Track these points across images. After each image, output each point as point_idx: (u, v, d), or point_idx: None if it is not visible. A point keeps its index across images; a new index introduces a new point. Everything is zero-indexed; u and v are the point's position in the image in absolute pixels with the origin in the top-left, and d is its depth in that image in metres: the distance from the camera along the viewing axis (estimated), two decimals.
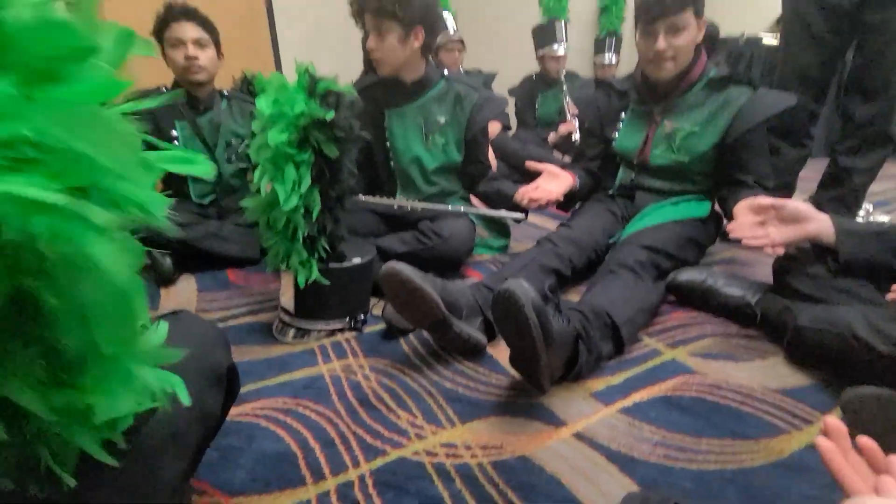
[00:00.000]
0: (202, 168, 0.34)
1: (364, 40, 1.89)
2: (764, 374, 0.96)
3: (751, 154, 1.29)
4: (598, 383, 0.94)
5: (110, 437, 0.34)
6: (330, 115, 0.90)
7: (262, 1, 2.32)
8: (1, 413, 0.29)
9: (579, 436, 0.80)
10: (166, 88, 1.55)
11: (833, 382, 0.91)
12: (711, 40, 1.35)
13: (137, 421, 0.38)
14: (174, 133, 1.52)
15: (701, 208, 1.37)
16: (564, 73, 2.69)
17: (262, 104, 0.90)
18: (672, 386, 0.92)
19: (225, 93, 1.63)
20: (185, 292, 1.36)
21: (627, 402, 0.88)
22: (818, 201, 1.69)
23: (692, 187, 1.38)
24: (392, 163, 1.51)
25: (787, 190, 1.71)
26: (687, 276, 1.20)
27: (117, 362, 0.32)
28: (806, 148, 1.66)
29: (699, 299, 1.18)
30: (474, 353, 1.02)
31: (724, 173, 1.33)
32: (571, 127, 2.60)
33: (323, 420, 0.85)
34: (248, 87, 1.72)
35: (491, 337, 1.06)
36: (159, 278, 1.38)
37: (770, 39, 3.00)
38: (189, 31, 1.46)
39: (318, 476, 0.73)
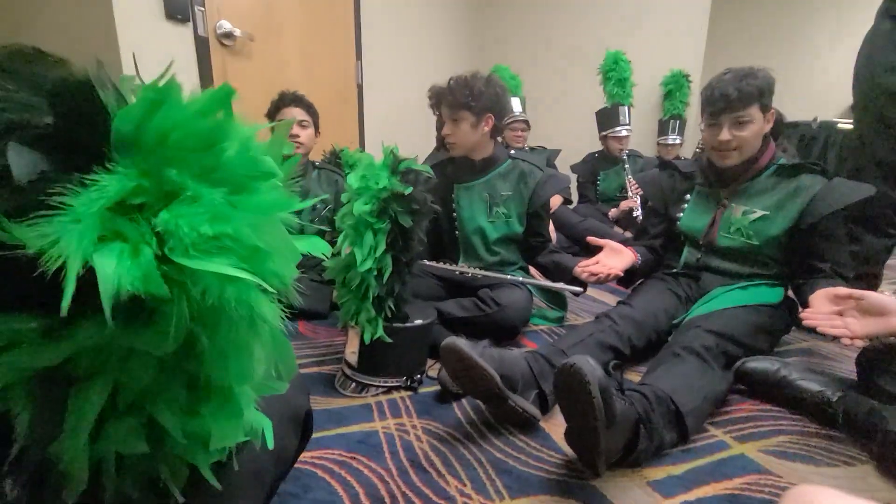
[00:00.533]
0: (322, 248, 0.43)
1: (438, 123, 2.10)
2: (851, 484, 0.87)
3: (827, 242, 1.25)
4: (658, 472, 0.89)
5: (219, 459, 0.40)
6: (408, 190, 1.02)
7: (355, 80, 2.66)
8: (148, 430, 0.36)
9: None
10: None
11: None
12: (776, 126, 1.37)
13: (229, 454, 0.44)
14: None
15: (773, 294, 1.31)
16: (627, 152, 2.77)
17: (352, 179, 1.03)
18: (740, 484, 0.86)
19: (316, 163, 1.90)
20: None
21: (689, 496, 0.83)
22: None
23: (763, 271, 1.33)
24: (457, 232, 1.61)
25: (873, 279, 1.60)
26: (758, 364, 1.14)
27: (234, 399, 0.39)
28: (892, 238, 1.56)
29: (771, 391, 1.11)
30: (526, 425, 1.02)
31: (799, 261, 1.29)
32: (633, 203, 2.62)
33: (375, 477, 0.88)
34: (336, 159, 1.95)
35: (545, 410, 1.05)
36: None
37: (845, 124, 2.92)
38: (296, 114, 1.78)
39: None
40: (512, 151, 1.60)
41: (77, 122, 0.29)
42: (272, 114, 1.78)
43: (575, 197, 2.98)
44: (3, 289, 0.27)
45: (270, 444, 0.44)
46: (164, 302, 0.29)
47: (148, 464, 0.37)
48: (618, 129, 2.74)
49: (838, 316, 0.95)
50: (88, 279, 0.27)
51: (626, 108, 2.76)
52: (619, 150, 2.76)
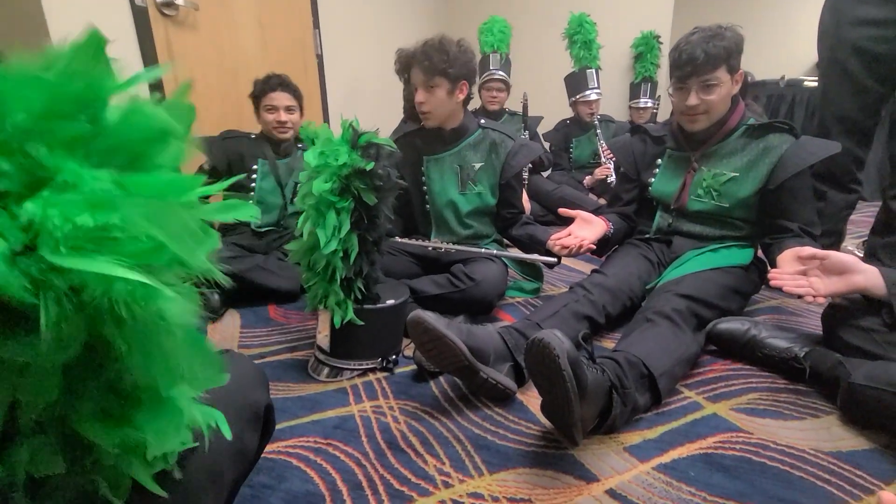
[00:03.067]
0: (247, 213, 0.38)
1: (407, 91, 2.01)
2: (816, 435, 0.89)
3: (795, 201, 1.26)
4: (633, 437, 0.90)
5: (164, 468, 0.37)
6: (370, 166, 0.97)
7: (314, 50, 2.53)
8: (66, 446, 0.32)
9: (612, 493, 0.77)
10: (254, 135, 1.80)
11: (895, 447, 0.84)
12: (742, 86, 1.36)
13: (181, 457, 0.41)
14: (255, 167, 1.75)
15: (743, 255, 1.33)
16: (598, 117, 2.73)
17: (309, 156, 0.97)
18: (713, 443, 0.88)
19: (301, 144, 1.85)
20: (229, 328, 1.42)
21: (664, 458, 0.84)
22: (872, 247, 1.60)
23: (733, 233, 1.34)
24: (428, 206, 1.56)
25: (835, 236, 1.64)
26: (728, 325, 1.16)
27: (168, 401, 0.35)
28: (854, 193, 1.59)
29: (741, 351, 1.13)
30: (503, 398, 1.02)
31: (767, 221, 1.30)
32: (607, 171, 2.61)
33: (352, 462, 0.86)
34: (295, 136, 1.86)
35: (521, 383, 1.05)
36: (207, 313, 1.47)
37: (812, 82, 2.95)
38: (283, 99, 1.71)
39: None
40: (482, 120, 1.54)
41: None
42: (258, 96, 1.71)
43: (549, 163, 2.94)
44: None
45: (228, 435, 0.41)
46: (33, 307, 0.24)
47: (79, 479, 0.34)
48: (587, 93, 2.69)
49: (803, 276, 0.96)
50: None
51: (593, 71, 2.70)
52: (589, 114, 2.72)
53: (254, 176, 1.74)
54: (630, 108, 3.04)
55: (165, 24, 1.81)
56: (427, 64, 1.34)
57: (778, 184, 1.23)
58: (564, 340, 0.80)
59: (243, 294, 1.53)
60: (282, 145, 1.78)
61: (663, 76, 3.10)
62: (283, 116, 1.72)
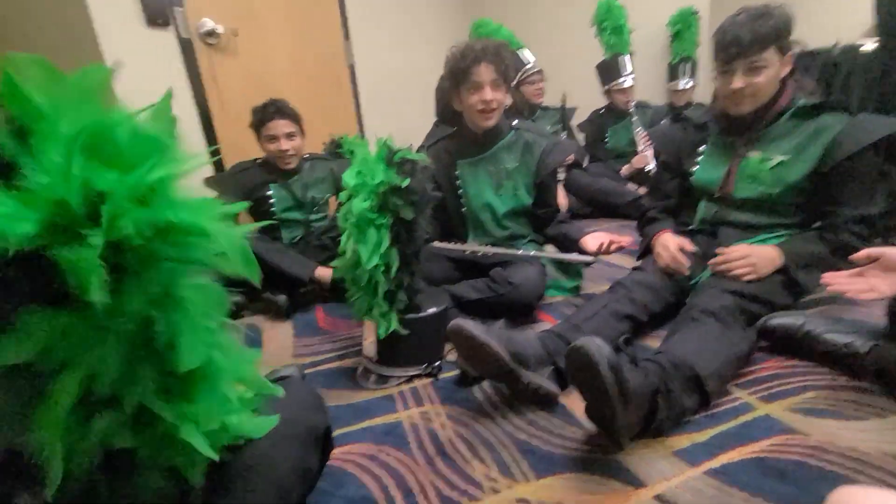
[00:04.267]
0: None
1: (444, 94, 2.00)
2: (881, 437, 0.85)
3: (850, 185, 1.18)
4: (682, 440, 0.89)
5: (224, 443, 0.44)
6: (405, 183, 1.00)
7: (346, 61, 2.60)
8: (135, 421, 0.38)
9: (660, 499, 0.77)
10: (260, 161, 1.85)
11: None
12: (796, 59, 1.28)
13: (251, 473, 0.46)
14: (269, 192, 1.81)
15: None
16: (634, 103, 2.65)
17: (348, 177, 1.02)
18: (767, 446, 0.86)
19: (306, 156, 1.90)
20: (284, 337, 1.51)
21: (714, 463, 0.83)
22: None
23: (784, 221, 1.28)
24: (464, 209, 1.59)
25: None
26: (781, 320, 1.11)
27: (217, 382, 0.41)
28: None
29: (797, 347, 1.08)
30: (547, 403, 1.03)
31: (816, 207, 1.23)
32: (644, 159, 2.53)
33: (403, 468, 0.90)
34: (336, 148, 1.93)
35: (563, 386, 1.06)
36: (276, 314, 1.63)
37: (870, 45, 2.71)
38: (281, 126, 1.74)
39: None
40: (515, 122, 1.55)
41: None
42: (257, 126, 1.75)
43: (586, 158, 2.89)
44: None
45: (281, 404, 0.48)
46: (77, 273, 0.30)
47: (162, 455, 0.40)
48: (621, 80, 2.61)
49: (861, 276, 0.91)
50: (32, 274, 0.29)
51: (626, 57, 2.61)
52: (624, 102, 2.64)
53: (271, 201, 1.80)
54: (668, 90, 2.92)
55: (209, 52, 1.92)
56: (500, 65, 1.37)
57: (831, 166, 1.17)
58: (603, 346, 0.81)
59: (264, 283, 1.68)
60: (288, 170, 1.81)
61: (703, 54, 2.95)
62: (284, 145, 1.74)
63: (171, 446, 0.40)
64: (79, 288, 0.31)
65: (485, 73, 1.37)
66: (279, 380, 0.57)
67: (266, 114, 1.72)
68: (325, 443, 0.58)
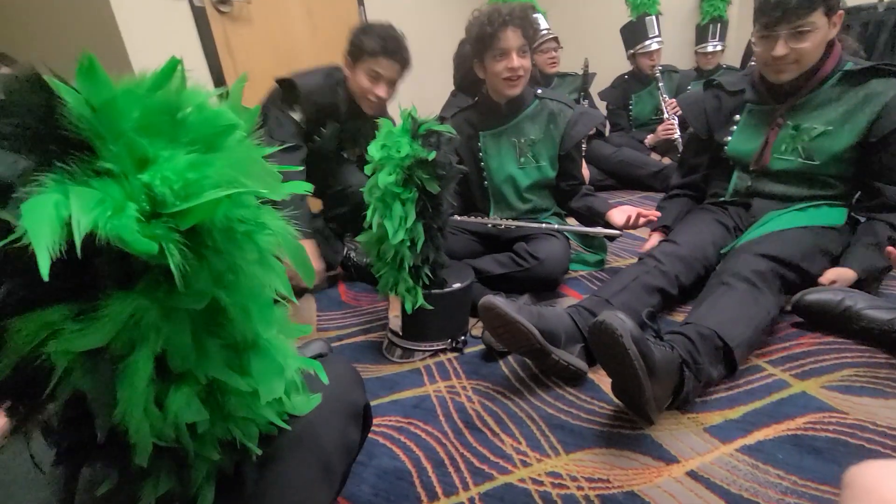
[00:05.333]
0: (304, 187, 0.44)
1: (463, 62, 1.93)
2: None
3: None
4: (714, 417, 0.89)
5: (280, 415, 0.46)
6: (431, 156, 0.97)
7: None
8: (207, 395, 0.39)
9: (693, 475, 0.77)
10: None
11: None
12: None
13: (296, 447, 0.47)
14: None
15: (834, 215, 1.22)
16: (660, 68, 2.53)
17: (373, 149, 0.99)
18: (803, 424, 0.84)
19: None
20: (307, 311, 1.53)
21: (749, 440, 0.83)
22: None
23: (824, 192, 1.22)
24: (486, 182, 1.55)
25: None
26: (818, 295, 1.07)
27: (269, 351, 0.42)
28: None
29: (835, 323, 1.05)
30: (575, 379, 1.03)
31: (863, 180, 1.17)
32: (671, 127, 2.43)
33: (432, 440, 0.91)
34: None
35: (592, 362, 1.05)
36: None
37: None
38: (392, 71, 1.52)
39: (432, 496, 0.79)
40: (539, 90, 1.49)
41: (37, 118, 0.30)
42: (360, 55, 1.49)
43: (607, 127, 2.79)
44: (33, 286, 0.29)
45: (325, 380, 0.49)
46: (161, 260, 0.30)
47: (221, 427, 0.41)
48: (647, 43, 2.48)
49: None
50: (106, 256, 0.30)
51: (653, 17, 2.48)
52: (650, 66, 2.52)
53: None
54: (696, 53, 2.77)
55: (223, 20, 1.87)
56: (528, 30, 1.32)
57: (880, 136, 1.10)
58: (627, 321, 0.79)
59: None
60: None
61: (734, 15, 2.79)
62: (384, 92, 1.51)
63: (228, 419, 0.41)
64: (154, 270, 0.32)
65: (512, 38, 1.31)
66: (317, 357, 0.57)
67: (386, 47, 1.47)
68: (364, 419, 0.58)
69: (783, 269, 1.08)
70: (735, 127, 1.32)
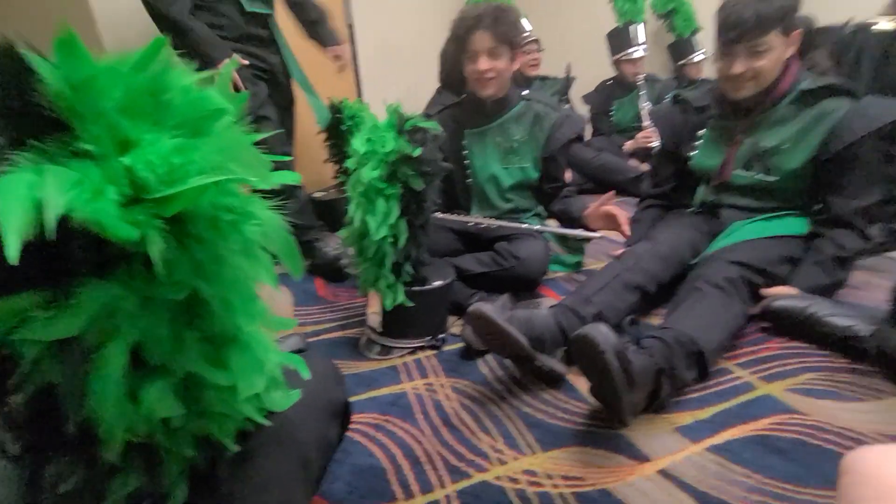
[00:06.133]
0: (293, 178, 0.43)
1: (447, 59, 1.93)
2: (879, 418, 0.88)
3: (850, 174, 1.16)
4: (684, 417, 0.91)
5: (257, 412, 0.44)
6: (417, 152, 0.97)
7: (344, 21, 2.49)
8: (184, 389, 0.38)
9: (664, 473, 0.79)
10: None
11: None
12: (806, 38, 1.23)
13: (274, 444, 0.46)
14: None
15: (797, 225, 1.26)
16: (644, 76, 2.57)
17: (357, 143, 0.98)
18: (768, 425, 0.88)
19: None
20: (283, 306, 1.49)
21: (717, 439, 0.85)
22: None
23: (785, 204, 1.27)
24: (469, 180, 1.55)
25: None
26: (786, 302, 1.11)
27: (252, 351, 0.41)
28: None
29: (798, 329, 1.10)
30: (554, 382, 1.04)
31: (816, 194, 1.22)
32: (650, 135, 2.49)
33: (409, 438, 0.91)
34: (335, 113, 1.86)
35: (570, 363, 1.06)
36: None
37: (885, 24, 2.66)
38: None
39: (408, 494, 0.79)
40: (525, 92, 1.50)
41: (10, 93, 0.29)
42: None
43: (588, 130, 2.83)
44: (1, 271, 0.28)
45: (306, 376, 0.48)
46: (141, 247, 0.29)
47: (196, 422, 0.40)
48: (631, 50, 2.53)
49: None
50: (81, 242, 0.28)
51: (638, 26, 2.53)
52: (633, 74, 2.57)
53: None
54: (686, 66, 2.82)
55: None
56: (499, 30, 1.31)
57: (831, 154, 1.14)
58: (609, 334, 0.81)
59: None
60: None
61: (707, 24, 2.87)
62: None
63: (204, 415, 0.40)
64: (133, 258, 0.30)
65: (479, 41, 1.32)
66: (297, 353, 0.56)
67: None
68: (344, 416, 0.57)
69: (752, 275, 1.12)
70: (699, 142, 1.36)
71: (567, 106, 2.62)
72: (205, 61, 1.34)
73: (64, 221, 0.26)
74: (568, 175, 2.32)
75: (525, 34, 2.39)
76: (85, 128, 0.29)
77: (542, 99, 1.49)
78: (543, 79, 2.64)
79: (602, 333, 0.80)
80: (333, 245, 1.68)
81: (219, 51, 1.38)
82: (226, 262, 0.34)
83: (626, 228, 1.39)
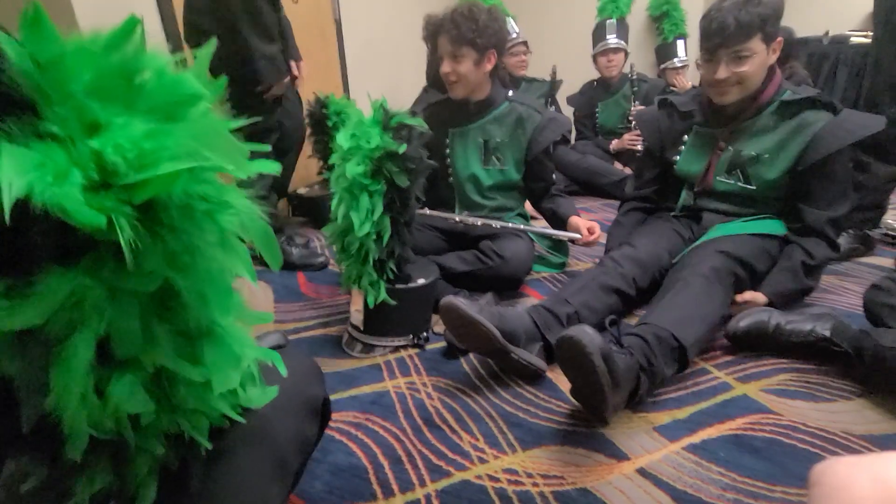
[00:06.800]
0: (273, 167, 0.41)
1: (431, 58, 1.94)
2: (848, 418, 0.90)
3: (825, 184, 1.19)
4: (663, 417, 0.92)
5: (233, 408, 0.43)
6: (402, 148, 0.96)
7: (332, 15, 2.46)
8: (154, 385, 0.37)
9: (643, 472, 0.80)
10: None
11: None
12: (785, 48, 1.26)
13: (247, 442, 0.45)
14: None
15: (776, 226, 1.29)
16: (635, 75, 2.57)
17: (341, 138, 0.97)
18: (743, 424, 0.89)
19: None
20: (264, 302, 1.47)
21: (694, 438, 0.87)
22: None
23: (762, 210, 1.30)
24: (451, 178, 1.55)
25: (876, 210, 1.58)
26: (748, 321, 1.09)
27: (227, 345, 0.40)
28: None
29: (769, 343, 1.08)
30: (533, 377, 1.04)
31: (790, 201, 1.25)
32: (637, 137, 2.50)
33: (390, 436, 0.90)
34: (321, 108, 1.84)
35: (550, 360, 1.07)
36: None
37: (859, 38, 2.75)
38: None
39: (388, 493, 0.78)
40: (510, 93, 1.50)
41: None
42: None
43: (574, 133, 2.86)
44: None
45: (284, 373, 0.47)
46: (109, 234, 0.28)
47: (167, 419, 0.39)
48: (604, 41, 2.53)
49: None
50: (42, 227, 0.27)
51: (614, 21, 2.54)
52: (607, 67, 2.56)
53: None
54: (667, 70, 2.86)
55: None
56: (455, 33, 1.31)
57: (808, 165, 1.17)
58: (595, 336, 0.81)
59: None
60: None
61: (693, 31, 2.93)
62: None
63: (176, 411, 0.38)
64: (101, 246, 0.29)
65: (442, 44, 1.34)
66: (275, 349, 0.54)
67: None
68: (323, 414, 0.56)
69: (736, 267, 1.14)
70: (683, 147, 1.38)
71: (552, 108, 2.64)
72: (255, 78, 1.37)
73: (24, 206, 0.25)
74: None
75: (512, 36, 2.40)
76: (51, 109, 0.27)
77: (527, 101, 1.49)
78: (530, 81, 2.64)
79: (588, 335, 0.80)
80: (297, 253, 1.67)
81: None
82: (200, 252, 0.33)
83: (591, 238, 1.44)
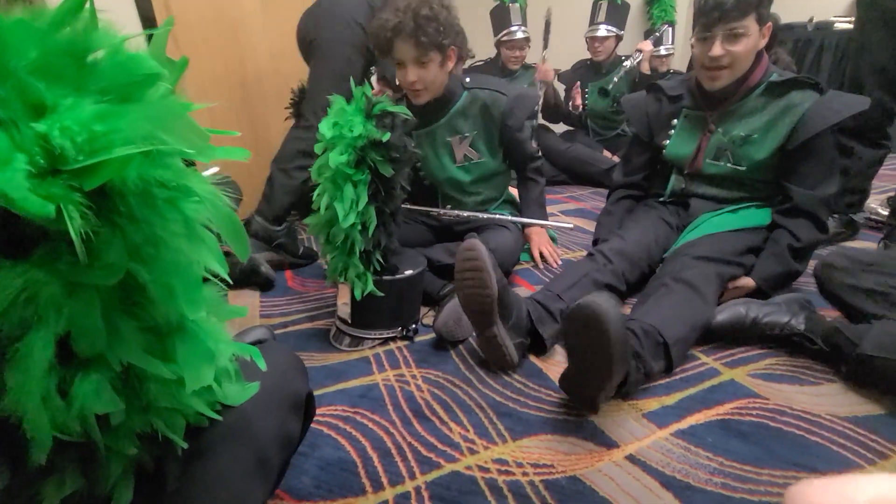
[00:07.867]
0: (240, 154, 0.39)
1: (386, 66, 1.81)
2: (832, 401, 0.91)
3: (813, 163, 1.20)
4: (651, 403, 0.93)
5: (208, 405, 0.42)
6: (386, 137, 0.94)
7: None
8: (123, 384, 0.35)
9: (632, 458, 0.80)
10: None
11: None
12: (771, 35, 1.27)
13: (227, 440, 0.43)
14: None
15: (761, 216, 1.30)
16: (629, 57, 2.53)
17: (324, 127, 0.94)
18: (730, 409, 0.90)
19: None
20: (249, 297, 1.45)
21: (682, 424, 0.87)
22: None
23: (752, 194, 1.31)
24: (426, 182, 1.48)
25: (860, 194, 1.60)
26: (725, 315, 1.08)
27: (200, 341, 0.38)
28: (882, 149, 1.54)
29: (749, 335, 1.08)
30: (501, 366, 1.04)
31: (778, 181, 1.26)
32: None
33: (379, 429, 0.89)
34: (303, 98, 1.80)
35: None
36: (262, 283, 1.48)
37: (843, 24, 2.76)
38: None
39: (377, 486, 0.77)
40: (467, 79, 1.40)
41: None
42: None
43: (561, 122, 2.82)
44: None
45: (263, 368, 0.46)
46: (54, 222, 0.26)
47: (139, 418, 0.37)
48: (593, 27, 2.50)
49: None
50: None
51: (604, 4, 2.48)
52: (596, 52, 2.53)
53: None
54: (652, 57, 2.85)
55: None
56: (424, 40, 1.17)
57: (796, 144, 1.18)
58: (617, 306, 0.79)
59: None
60: None
61: (681, 20, 2.92)
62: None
63: (149, 410, 0.37)
64: (54, 238, 0.27)
65: (404, 51, 1.20)
66: (256, 343, 0.53)
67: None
68: (306, 409, 0.55)
69: (721, 267, 1.15)
70: (673, 131, 1.38)
71: (547, 51, 2.55)
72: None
73: None
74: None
75: (513, 29, 2.34)
76: None
77: (486, 84, 1.40)
78: (526, 67, 2.58)
79: (610, 302, 0.79)
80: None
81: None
82: (164, 243, 0.31)
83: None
